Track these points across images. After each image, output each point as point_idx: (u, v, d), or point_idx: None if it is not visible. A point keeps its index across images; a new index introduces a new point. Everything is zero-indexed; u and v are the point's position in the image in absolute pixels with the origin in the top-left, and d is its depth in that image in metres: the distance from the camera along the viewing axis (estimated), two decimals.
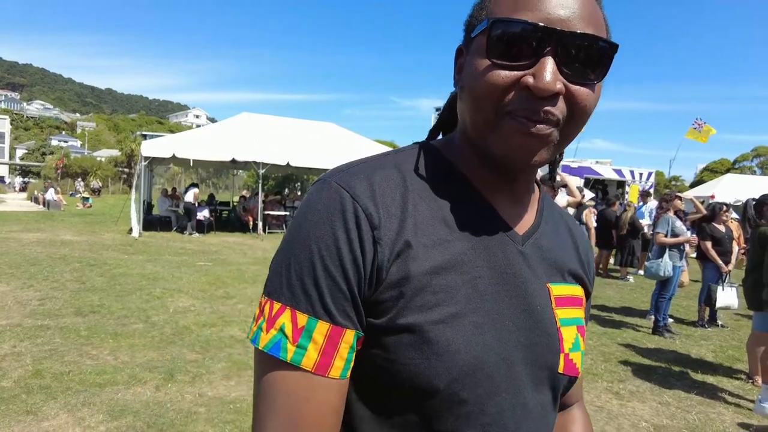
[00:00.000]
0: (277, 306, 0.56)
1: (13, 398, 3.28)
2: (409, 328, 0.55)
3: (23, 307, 5.48)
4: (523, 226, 0.67)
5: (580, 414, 0.85)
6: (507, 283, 0.62)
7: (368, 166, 0.62)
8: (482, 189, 0.64)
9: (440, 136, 0.77)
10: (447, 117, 0.76)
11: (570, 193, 5.10)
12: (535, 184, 0.72)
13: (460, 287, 0.58)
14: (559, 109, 0.55)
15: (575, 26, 0.54)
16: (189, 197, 13.96)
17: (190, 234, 13.34)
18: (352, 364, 0.57)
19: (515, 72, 0.55)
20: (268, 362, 0.57)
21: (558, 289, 0.68)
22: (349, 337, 0.56)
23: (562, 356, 0.65)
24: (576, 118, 0.57)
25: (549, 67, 0.53)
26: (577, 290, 0.71)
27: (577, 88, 0.55)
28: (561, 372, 0.65)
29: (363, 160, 0.64)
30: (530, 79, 0.54)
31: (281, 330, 0.56)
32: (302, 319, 0.55)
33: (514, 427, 0.61)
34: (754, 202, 4.53)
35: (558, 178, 4.79)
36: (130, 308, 5.63)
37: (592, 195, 13.08)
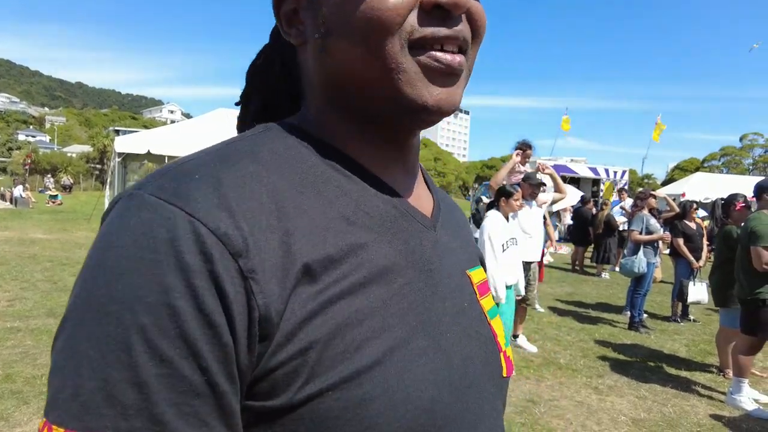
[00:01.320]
0: (43, 425, 0.33)
1: None
2: (336, 387, 0.37)
3: None
4: (427, 206, 0.53)
5: None
6: (433, 283, 0.47)
7: (202, 161, 0.41)
8: (374, 168, 0.48)
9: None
10: (270, 88, 0.57)
11: (557, 188, 5.15)
12: None
13: (390, 304, 0.42)
14: (466, 29, 0.45)
15: None
16: None
17: None
18: None
19: None
20: None
21: (475, 275, 0.56)
22: None
23: (501, 356, 0.54)
24: (478, 40, 0.47)
25: None
26: (483, 273, 0.60)
27: (474, 2, 0.45)
28: (504, 376, 0.54)
29: (193, 155, 0.43)
30: None
31: None
32: None
33: None
34: (722, 202, 4.68)
35: (543, 168, 4.85)
36: None
37: (581, 194, 13.31)
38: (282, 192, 0.41)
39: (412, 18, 0.42)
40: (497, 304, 3.90)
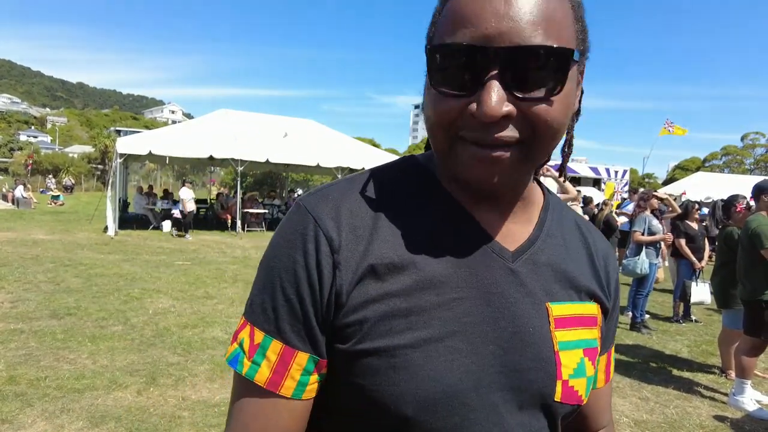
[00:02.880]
0: (242, 320, 0.59)
1: None
2: (376, 352, 0.54)
3: None
4: (516, 241, 0.62)
5: None
6: (492, 305, 0.58)
7: (343, 186, 0.61)
8: (466, 204, 0.61)
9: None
10: None
11: (563, 189, 5.14)
12: (538, 190, 0.68)
13: (435, 309, 0.55)
14: (511, 131, 0.51)
15: (519, 38, 0.48)
16: (186, 195, 13.06)
17: (180, 234, 13.07)
18: (308, 387, 0.57)
19: (460, 98, 0.51)
20: (235, 377, 0.59)
21: (560, 309, 0.62)
22: (302, 359, 0.56)
23: (559, 383, 0.60)
24: (541, 134, 0.52)
25: (492, 90, 0.49)
26: (589, 308, 0.65)
27: (532, 106, 0.50)
28: (558, 400, 0.60)
29: (345, 179, 0.63)
30: (474, 107, 0.50)
31: (240, 344, 0.58)
32: (259, 335, 0.57)
33: None
34: (722, 203, 4.67)
35: (546, 173, 4.82)
36: (108, 310, 5.50)
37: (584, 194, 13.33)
38: (384, 213, 0.59)
39: (462, 118, 0.51)
40: None
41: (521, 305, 0.59)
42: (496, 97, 0.48)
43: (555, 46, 0.49)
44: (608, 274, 0.70)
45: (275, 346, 0.56)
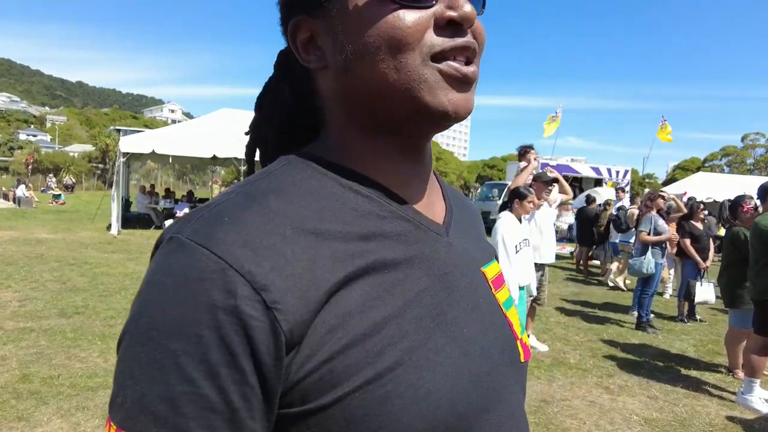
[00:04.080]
0: (113, 429, 0.39)
1: (2, 404, 3.18)
2: (363, 388, 0.41)
3: (3, 309, 5.31)
4: (439, 212, 0.57)
5: None
6: (449, 286, 0.51)
7: (235, 203, 0.45)
8: (391, 185, 0.52)
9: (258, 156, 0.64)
10: (292, 124, 0.60)
11: (562, 189, 5.17)
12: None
13: (406, 310, 0.46)
14: (474, 42, 0.49)
15: None
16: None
17: None
18: None
19: (425, 9, 0.46)
20: None
21: (490, 271, 0.60)
22: None
23: (518, 344, 0.58)
24: (480, 52, 0.51)
25: None
26: (497, 267, 0.64)
27: (477, 19, 0.50)
28: (523, 361, 0.59)
29: (221, 197, 0.47)
30: (449, 12, 0.46)
31: None
32: None
33: None
34: (728, 204, 4.69)
35: (549, 172, 4.88)
36: (115, 308, 5.52)
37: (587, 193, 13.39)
38: (305, 222, 0.45)
39: (429, 33, 0.46)
40: None
41: (468, 278, 0.55)
42: None
43: None
44: (484, 233, 0.72)
45: None
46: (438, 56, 0.47)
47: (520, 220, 4.14)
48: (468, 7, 0.46)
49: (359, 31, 0.47)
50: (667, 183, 41.40)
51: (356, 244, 0.46)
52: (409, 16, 0.46)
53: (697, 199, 10.10)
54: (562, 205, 15.53)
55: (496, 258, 0.67)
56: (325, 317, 0.42)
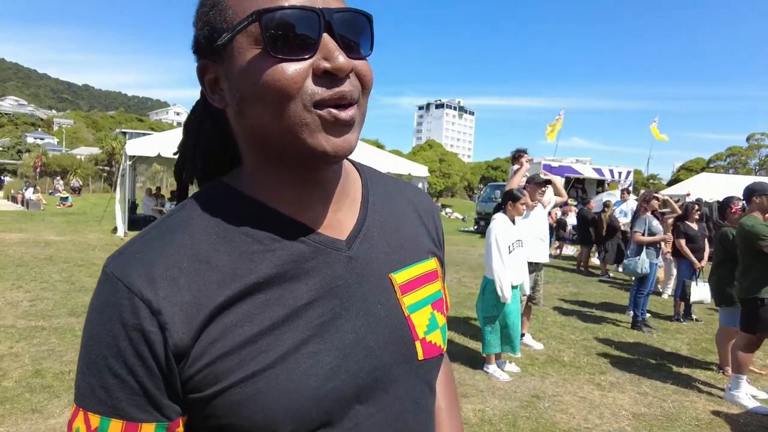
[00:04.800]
0: (73, 407, 0.56)
1: (16, 397, 3.35)
2: (238, 385, 0.53)
3: (15, 308, 5.49)
4: (346, 228, 0.64)
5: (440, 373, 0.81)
6: (340, 297, 0.59)
7: (146, 241, 0.58)
8: (289, 211, 0.60)
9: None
10: (221, 147, 0.67)
11: (556, 191, 5.29)
12: (353, 169, 0.70)
13: (285, 322, 0.56)
14: (355, 87, 0.55)
15: (333, 4, 0.54)
16: None
17: None
18: None
19: (303, 61, 0.52)
20: None
21: (402, 276, 0.66)
22: (148, 430, 0.54)
23: (418, 343, 0.64)
24: (366, 91, 0.57)
25: (334, 45, 0.52)
26: (429, 265, 0.70)
27: (359, 62, 0.55)
28: (421, 359, 0.64)
29: (141, 234, 0.60)
30: (324, 63, 0.52)
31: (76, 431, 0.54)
32: (95, 420, 0.53)
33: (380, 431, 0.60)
34: (718, 205, 4.80)
35: (542, 175, 5.01)
36: None
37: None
38: (201, 254, 0.56)
39: (309, 83, 0.52)
40: (503, 303, 4.05)
41: (366, 286, 0.61)
42: (340, 51, 0.52)
43: (364, 10, 0.56)
44: (436, 228, 0.77)
45: (115, 426, 0.53)
46: (318, 104, 0.53)
47: (513, 222, 4.27)
48: (341, 59, 0.52)
49: (247, 81, 0.53)
50: (671, 183, 41.30)
51: (243, 268, 0.56)
52: (288, 69, 0.51)
53: (705, 200, 10.16)
54: (566, 206, 15.56)
55: (435, 255, 0.73)
56: (209, 331, 0.54)
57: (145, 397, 0.53)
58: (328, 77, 0.52)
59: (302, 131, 0.53)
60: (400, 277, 0.65)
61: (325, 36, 0.52)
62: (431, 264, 0.71)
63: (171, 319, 0.53)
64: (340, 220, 0.64)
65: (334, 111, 0.53)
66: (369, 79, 0.57)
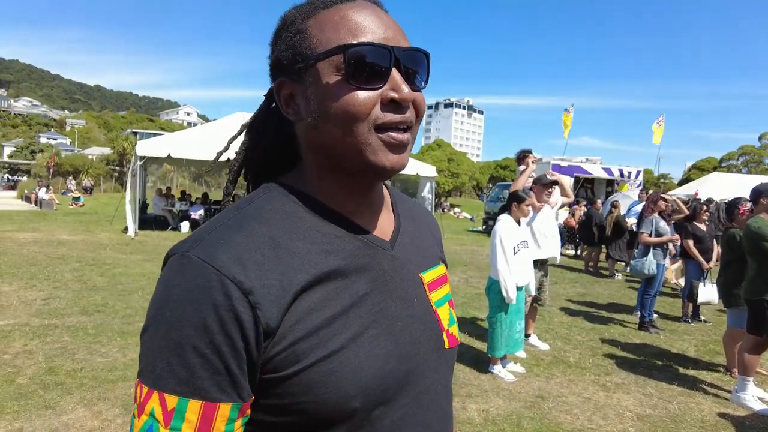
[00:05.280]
0: (145, 390, 0.56)
1: (30, 394, 3.43)
2: (315, 365, 0.58)
3: (29, 306, 5.61)
4: (388, 231, 0.74)
5: None
6: (388, 290, 0.68)
7: (225, 228, 0.62)
8: (346, 213, 0.69)
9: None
10: (275, 157, 0.76)
11: (563, 192, 5.29)
12: (384, 188, 0.80)
13: (351, 309, 0.63)
14: (412, 114, 0.64)
15: (401, 42, 0.63)
16: None
17: None
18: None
19: (375, 90, 0.61)
20: None
21: (428, 276, 0.77)
22: (225, 410, 0.56)
23: (444, 334, 0.75)
24: (419, 119, 0.66)
25: (401, 78, 0.62)
26: (441, 269, 0.82)
27: (417, 94, 0.64)
28: (447, 347, 0.75)
29: (217, 222, 0.64)
30: (392, 93, 0.61)
31: (152, 415, 0.55)
32: (172, 400, 0.55)
33: (423, 411, 0.68)
34: (725, 205, 4.78)
35: (549, 175, 5.01)
36: (133, 307, 5.78)
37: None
38: (279, 241, 0.62)
39: (376, 109, 0.61)
40: (508, 305, 4.07)
41: (406, 283, 0.72)
42: (406, 84, 0.62)
43: (425, 50, 0.66)
44: (440, 240, 0.90)
45: (194, 406, 0.55)
46: (381, 127, 0.62)
47: (519, 223, 4.28)
48: (406, 90, 0.61)
49: (325, 101, 0.62)
50: (682, 183, 40.86)
51: (317, 258, 0.63)
52: (361, 96, 0.60)
53: (716, 200, 10.08)
54: (575, 206, 15.45)
55: (443, 261, 0.85)
56: (292, 312, 0.59)
57: (227, 377, 0.55)
58: (393, 105, 0.61)
59: (366, 149, 0.61)
60: (426, 277, 0.76)
61: (394, 70, 0.61)
62: (443, 269, 0.83)
63: (261, 299, 0.57)
64: (383, 224, 0.74)
65: (393, 134, 0.62)
66: (423, 109, 0.66)
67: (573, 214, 13.45)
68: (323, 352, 0.59)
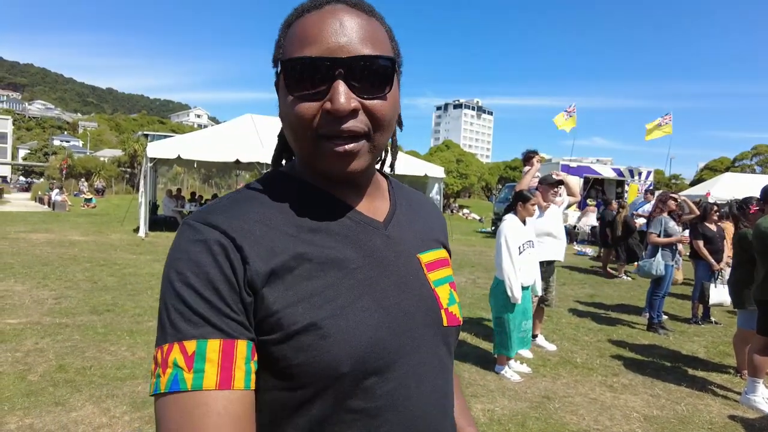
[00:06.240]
0: (165, 347, 0.58)
1: (41, 391, 3.49)
2: (306, 330, 0.61)
3: (40, 305, 5.69)
4: (381, 213, 0.76)
5: None
6: (381, 266, 0.70)
7: (226, 202, 0.68)
8: (337, 195, 0.72)
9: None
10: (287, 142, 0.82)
11: (570, 192, 5.27)
12: (381, 176, 0.83)
13: (342, 281, 0.65)
14: (362, 123, 0.64)
15: (355, 50, 0.62)
16: None
17: None
18: (252, 375, 0.60)
19: (316, 101, 0.63)
20: (171, 401, 0.55)
21: (426, 257, 0.79)
22: (242, 347, 0.59)
23: (442, 311, 0.76)
24: (380, 126, 0.66)
25: (341, 89, 0.61)
26: (442, 252, 0.84)
27: (372, 102, 0.64)
28: (446, 325, 0.76)
29: (222, 198, 0.70)
30: (328, 104, 0.62)
31: (175, 365, 0.56)
32: (191, 345, 0.57)
33: (416, 384, 0.69)
34: (737, 204, 4.72)
35: (555, 175, 4.99)
36: (143, 307, 5.84)
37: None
38: (271, 220, 0.66)
39: (318, 119, 0.63)
40: (513, 305, 4.06)
41: (401, 260, 0.74)
42: (344, 95, 0.61)
43: (381, 54, 0.65)
44: (443, 227, 0.91)
45: (213, 345, 0.57)
46: (323, 136, 0.64)
47: (524, 222, 4.27)
48: (341, 101, 0.61)
49: (281, 108, 0.68)
50: (694, 183, 40.38)
51: (308, 234, 0.67)
52: (302, 107, 0.63)
53: (726, 200, 9.96)
54: (589, 207, 15.29)
55: (445, 247, 0.87)
56: (281, 279, 0.62)
57: (235, 318, 0.59)
58: (332, 116, 0.62)
59: (312, 156, 0.66)
60: (424, 258, 0.79)
61: (337, 82, 0.62)
62: (443, 253, 0.85)
63: (251, 255, 0.61)
64: (377, 207, 0.77)
65: (337, 143, 0.63)
66: (380, 116, 0.65)
67: (585, 214, 13.37)
68: (313, 317, 0.62)
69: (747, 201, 4.66)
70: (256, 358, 0.61)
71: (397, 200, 0.82)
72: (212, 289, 0.59)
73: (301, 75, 0.63)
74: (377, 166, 0.83)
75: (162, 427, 0.55)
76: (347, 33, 0.63)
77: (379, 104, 0.65)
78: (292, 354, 0.61)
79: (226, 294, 0.59)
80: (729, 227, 6.58)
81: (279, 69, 0.67)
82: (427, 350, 0.72)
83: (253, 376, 0.60)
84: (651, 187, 16.98)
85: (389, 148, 0.83)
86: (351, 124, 0.63)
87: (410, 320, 0.70)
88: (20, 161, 68.81)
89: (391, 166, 0.84)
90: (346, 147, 0.64)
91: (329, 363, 0.61)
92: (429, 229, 0.84)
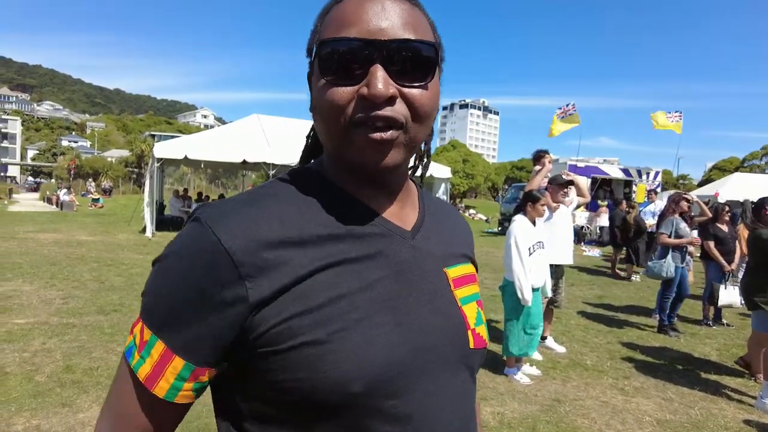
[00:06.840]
0: (139, 320, 0.61)
1: (48, 391, 3.48)
2: (314, 342, 0.57)
3: (48, 305, 5.70)
4: (410, 222, 0.71)
5: None
6: (405, 279, 0.65)
7: (244, 200, 0.63)
8: (363, 198, 0.66)
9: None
10: (316, 141, 0.78)
11: (579, 192, 5.21)
12: (413, 185, 0.77)
13: (359, 293, 0.60)
14: (399, 112, 0.59)
15: (396, 34, 0.58)
16: None
17: None
18: (181, 392, 0.59)
19: (351, 86, 0.58)
20: (123, 365, 0.62)
21: (454, 272, 0.73)
22: (178, 364, 0.58)
23: (469, 332, 0.70)
24: (418, 117, 0.60)
25: (379, 74, 0.57)
26: (469, 268, 0.78)
27: (411, 91, 0.59)
28: (472, 347, 0.70)
29: (237, 197, 0.65)
30: (365, 89, 0.57)
31: (134, 338, 0.61)
32: (147, 333, 0.59)
33: (436, 411, 0.64)
34: (752, 205, 4.64)
35: (565, 175, 4.94)
36: None
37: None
38: (290, 219, 0.61)
39: (352, 106, 0.58)
40: (523, 306, 4.01)
41: (426, 274, 0.68)
42: (382, 80, 0.57)
43: (425, 39, 0.60)
44: (471, 242, 0.86)
45: (158, 347, 0.58)
46: (356, 124, 0.58)
47: (534, 223, 4.22)
48: (378, 86, 0.56)
49: (315, 96, 0.63)
50: (702, 184, 40.05)
51: (326, 239, 0.62)
52: (336, 92, 0.59)
53: (736, 200, 9.83)
54: (600, 208, 15.18)
55: (472, 261, 0.81)
56: (292, 289, 0.58)
57: (194, 336, 0.57)
58: (368, 102, 0.57)
59: (345, 146, 0.60)
60: (452, 273, 0.73)
61: (375, 66, 0.57)
62: (471, 268, 0.79)
63: (251, 271, 0.57)
64: (406, 215, 0.71)
65: (370, 131, 0.58)
66: (419, 106, 0.60)
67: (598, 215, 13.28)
68: (324, 330, 0.57)
69: (763, 201, 4.56)
70: (200, 382, 0.60)
71: (426, 210, 0.75)
72: (187, 303, 0.57)
73: (337, 57, 0.59)
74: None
75: (114, 378, 0.63)
76: (389, 17, 0.59)
77: (419, 93, 0.60)
78: (298, 367, 0.57)
79: (200, 318, 0.57)
80: (744, 229, 6.48)
81: (312, 58, 0.63)
82: (450, 375, 0.67)
83: (181, 395, 0.59)
84: (658, 188, 16.85)
85: (422, 155, 0.76)
86: (388, 111, 0.58)
87: (433, 340, 0.65)
88: (29, 161, 69.39)
89: (422, 176, 0.78)
90: (383, 135, 0.58)
91: (338, 380, 0.56)
92: (456, 242, 0.79)
